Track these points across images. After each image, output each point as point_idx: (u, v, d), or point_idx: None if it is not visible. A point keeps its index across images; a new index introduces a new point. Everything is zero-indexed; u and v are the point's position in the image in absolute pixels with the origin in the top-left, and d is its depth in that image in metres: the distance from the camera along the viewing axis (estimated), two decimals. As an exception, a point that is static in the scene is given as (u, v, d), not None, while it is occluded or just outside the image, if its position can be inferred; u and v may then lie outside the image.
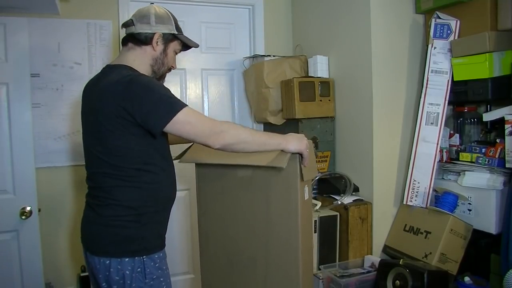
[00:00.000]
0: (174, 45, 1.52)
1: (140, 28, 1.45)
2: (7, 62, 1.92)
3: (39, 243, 1.99)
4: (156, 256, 1.42)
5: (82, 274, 2.30)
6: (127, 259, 1.36)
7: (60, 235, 2.35)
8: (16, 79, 1.93)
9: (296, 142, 1.39)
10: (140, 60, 1.46)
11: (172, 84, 2.61)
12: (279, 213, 1.46)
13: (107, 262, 1.36)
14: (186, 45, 1.59)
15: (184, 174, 2.56)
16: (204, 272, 1.67)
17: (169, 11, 1.52)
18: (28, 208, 1.94)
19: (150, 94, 1.30)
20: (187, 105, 1.34)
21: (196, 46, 1.61)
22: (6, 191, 1.95)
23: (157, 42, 1.46)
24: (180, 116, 1.30)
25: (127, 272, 1.36)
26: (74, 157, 2.35)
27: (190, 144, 1.61)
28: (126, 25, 1.49)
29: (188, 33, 2.60)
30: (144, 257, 1.38)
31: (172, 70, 1.59)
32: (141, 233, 1.39)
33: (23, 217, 1.93)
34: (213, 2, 2.68)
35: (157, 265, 1.42)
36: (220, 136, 1.35)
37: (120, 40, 1.53)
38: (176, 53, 1.56)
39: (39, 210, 2.00)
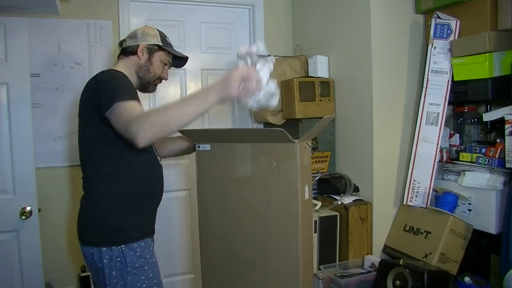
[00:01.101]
0: (160, 55, 1.64)
1: (129, 43, 1.63)
2: (7, 62, 1.92)
3: (39, 243, 1.99)
4: (136, 245, 1.46)
5: (82, 274, 2.30)
6: (104, 249, 1.42)
7: (60, 235, 2.35)
8: (16, 79, 1.93)
9: (220, 90, 1.23)
10: (126, 67, 1.61)
11: (172, 84, 2.61)
12: (279, 213, 1.46)
13: (90, 250, 1.45)
14: (177, 59, 1.72)
15: (184, 174, 2.57)
16: (204, 272, 1.67)
17: (157, 29, 1.67)
18: (28, 208, 1.94)
19: (109, 83, 1.41)
20: (133, 101, 1.34)
21: (185, 57, 1.73)
22: (6, 191, 1.95)
23: (142, 52, 1.61)
24: (118, 105, 1.32)
25: (105, 261, 1.42)
26: (74, 157, 2.35)
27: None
28: (120, 43, 1.68)
29: (188, 33, 2.64)
30: (122, 246, 1.43)
31: (165, 81, 1.72)
32: (118, 224, 1.45)
33: (23, 217, 1.93)
34: (213, 2, 2.68)
35: (138, 254, 1.46)
36: (140, 129, 1.22)
37: (119, 42, 1.69)
38: (165, 64, 1.68)
39: (39, 210, 1.99)
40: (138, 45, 1.61)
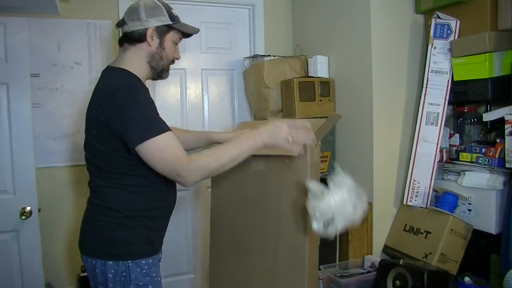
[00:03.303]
0: (171, 36, 1.42)
1: (132, 26, 1.37)
2: (7, 62, 1.92)
3: (39, 243, 1.99)
4: (144, 262, 1.35)
5: (82, 274, 2.29)
6: (110, 262, 1.32)
7: (60, 235, 2.35)
8: (16, 79, 1.93)
9: (269, 135, 1.27)
10: (136, 59, 1.40)
11: (172, 84, 2.61)
12: (289, 207, 1.48)
13: (93, 262, 1.35)
14: (186, 33, 1.50)
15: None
16: (212, 264, 1.68)
17: (160, 1, 1.41)
18: (28, 208, 1.94)
19: (129, 110, 1.24)
20: (167, 131, 1.26)
21: (196, 31, 1.50)
22: (6, 191, 1.94)
23: (151, 37, 1.37)
24: (152, 143, 1.22)
25: (110, 275, 1.32)
26: (74, 157, 2.35)
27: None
28: (119, 24, 1.42)
29: (188, 33, 2.63)
30: (129, 261, 1.32)
31: (175, 63, 1.52)
32: (126, 237, 1.34)
33: (23, 217, 1.93)
34: (213, 2, 2.68)
35: (144, 271, 1.35)
36: (190, 174, 1.24)
37: (117, 23, 1.45)
38: (177, 43, 1.47)
39: (39, 210, 1.99)
40: (146, 30, 1.36)
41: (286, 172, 1.48)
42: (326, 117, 2.35)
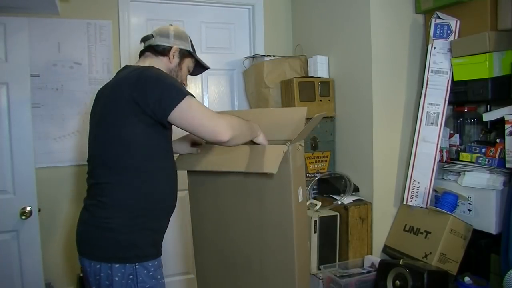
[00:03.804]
0: (188, 61, 1.61)
1: (159, 41, 1.54)
2: (7, 62, 1.92)
3: (39, 243, 1.98)
4: (150, 264, 1.36)
5: (82, 274, 2.29)
6: (117, 265, 1.31)
7: (60, 235, 2.35)
8: (16, 79, 1.93)
9: (263, 137, 1.47)
10: (155, 66, 1.47)
11: (172, 84, 2.60)
12: (273, 216, 1.43)
13: (98, 266, 1.33)
14: (198, 67, 1.69)
15: (184, 174, 2.56)
16: (199, 276, 1.66)
17: (186, 33, 1.63)
18: (28, 208, 1.94)
19: (159, 83, 1.31)
20: (189, 94, 1.32)
21: (208, 68, 1.72)
22: (6, 191, 1.94)
23: (173, 55, 1.54)
24: (185, 103, 1.28)
25: (116, 278, 1.30)
26: (74, 157, 2.36)
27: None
28: (145, 38, 1.57)
29: (188, 33, 2.62)
30: (136, 264, 1.32)
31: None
32: (132, 239, 1.33)
33: (23, 217, 1.93)
34: (213, 2, 2.68)
35: (150, 273, 1.35)
36: (226, 129, 1.30)
37: (143, 38, 1.58)
38: (189, 71, 1.64)
39: (39, 210, 1.99)
40: (171, 47, 1.53)
41: (267, 181, 1.42)
42: (326, 117, 2.36)
